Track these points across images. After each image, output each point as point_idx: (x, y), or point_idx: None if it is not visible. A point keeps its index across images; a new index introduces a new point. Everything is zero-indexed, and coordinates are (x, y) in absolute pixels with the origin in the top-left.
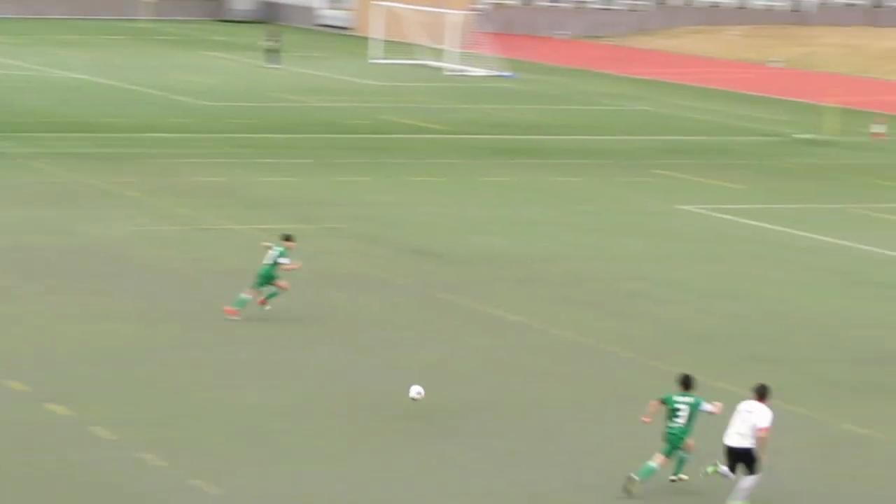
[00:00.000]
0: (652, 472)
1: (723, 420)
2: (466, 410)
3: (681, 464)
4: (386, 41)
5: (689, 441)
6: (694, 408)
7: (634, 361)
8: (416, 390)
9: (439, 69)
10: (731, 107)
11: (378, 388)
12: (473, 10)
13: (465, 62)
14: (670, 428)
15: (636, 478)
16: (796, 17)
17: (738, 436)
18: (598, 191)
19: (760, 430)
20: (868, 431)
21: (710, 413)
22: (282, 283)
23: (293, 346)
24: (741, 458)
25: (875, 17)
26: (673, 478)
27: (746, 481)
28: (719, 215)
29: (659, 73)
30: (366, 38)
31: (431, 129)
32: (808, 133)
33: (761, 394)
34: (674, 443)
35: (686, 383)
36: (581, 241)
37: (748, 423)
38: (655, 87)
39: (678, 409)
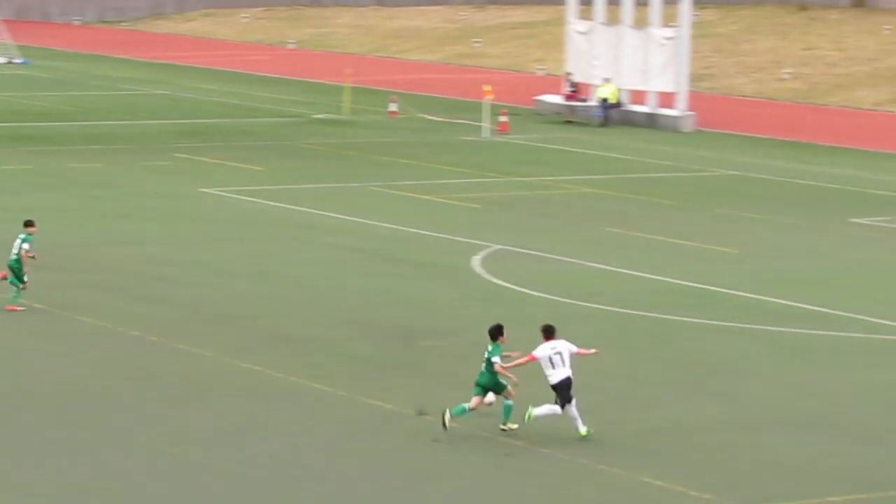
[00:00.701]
0: (464, 410)
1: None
2: None
3: (507, 412)
4: None
5: (511, 389)
6: (490, 355)
7: (160, 344)
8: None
9: None
10: (249, 89)
11: None
12: None
13: None
14: (480, 374)
15: (449, 414)
16: None
17: (561, 370)
18: (119, 176)
19: (577, 352)
20: (392, 406)
21: (496, 366)
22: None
23: None
24: (564, 387)
25: None
26: (502, 426)
27: (573, 409)
28: (242, 197)
29: (176, 56)
30: None
31: None
32: (327, 113)
33: (550, 332)
34: (479, 384)
35: (492, 334)
36: (104, 227)
37: (563, 358)
38: (174, 71)
39: (485, 357)
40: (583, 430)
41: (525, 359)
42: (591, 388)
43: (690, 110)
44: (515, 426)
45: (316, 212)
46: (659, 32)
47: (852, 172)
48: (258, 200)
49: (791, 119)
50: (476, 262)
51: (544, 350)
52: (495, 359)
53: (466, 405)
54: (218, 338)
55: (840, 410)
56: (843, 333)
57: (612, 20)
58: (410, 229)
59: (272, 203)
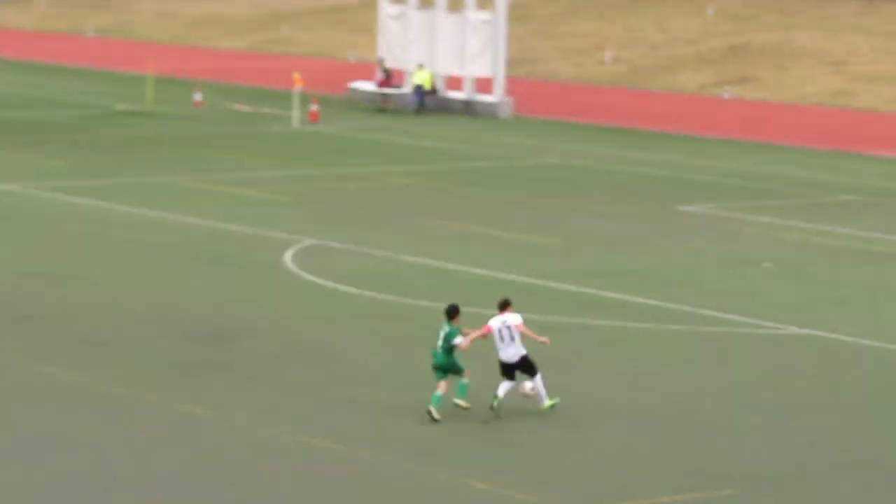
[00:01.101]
0: (439, 399)
1: None
2: None
3: (462, 390)
4: None
5: (466, 369)
6: (448, 336)
7: None
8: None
9: None
10: (47, 80)
11: None
12: None
13: None
14: (433, 353)
15: (432, 408)
16: None
17: (514, 348)
18: None
19: (518, 326)
20: (202, 410)
21: (457, 345)
22: None
23: None
24: (520, 367)
25: None
26: (456, 401)
27: (538, 382)
28: (40, 193)
29: None
30: None
31: None
32: (130, 104)
33: (504, 305)
34: (437, 367)
35: (449, 314)
36: None
37: (511, 332)
38: None
39: (439, 337)
40: (500, 401)
41: (480, 332)
42: (409, 386)
43: (508, 96)
44: (467, 405)
45: (120, 207)
46: (474, 16)
47: (678, 158)
48: (58, 196)
49: (613, 104)
50: (288, 257)
51: (497, 321)
52: (456, 340)
53: (439, 392)
54: (16, 341)
55: (669, 405)
56: (670, 326)
57: (426, 3)
58: (219, 224)
59: (74, 199)
